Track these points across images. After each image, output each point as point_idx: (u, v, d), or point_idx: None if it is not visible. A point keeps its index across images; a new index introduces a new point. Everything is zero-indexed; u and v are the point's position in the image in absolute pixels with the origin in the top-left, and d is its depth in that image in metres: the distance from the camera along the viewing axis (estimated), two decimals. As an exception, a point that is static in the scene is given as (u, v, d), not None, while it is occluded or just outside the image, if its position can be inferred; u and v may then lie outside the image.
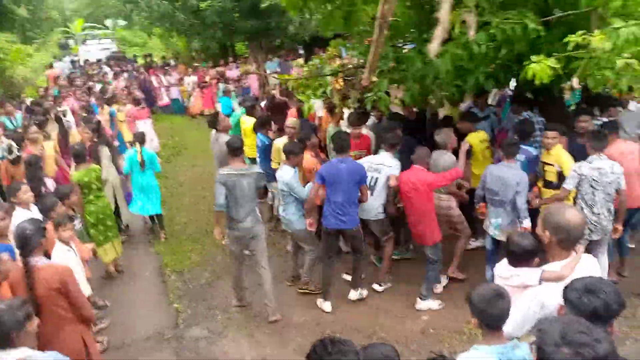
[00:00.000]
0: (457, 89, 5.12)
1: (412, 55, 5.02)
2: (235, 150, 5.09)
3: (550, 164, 5.09)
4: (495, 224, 4.96)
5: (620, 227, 4.81)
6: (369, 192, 5.19)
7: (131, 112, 10.96)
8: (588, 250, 4.73)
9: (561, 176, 4.96)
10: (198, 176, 10.13)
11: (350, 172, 4.97)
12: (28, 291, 3.34)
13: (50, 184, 6.14)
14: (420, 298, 5.21)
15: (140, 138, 7.08)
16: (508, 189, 4.78)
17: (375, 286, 5.52)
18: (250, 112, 8.08)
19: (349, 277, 5.67)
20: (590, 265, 2.75)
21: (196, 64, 17.76)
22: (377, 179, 5.26)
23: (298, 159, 5.34)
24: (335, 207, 5.03)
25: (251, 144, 7.37)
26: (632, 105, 6.58)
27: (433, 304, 5.20)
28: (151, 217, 7.53)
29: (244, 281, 5.49)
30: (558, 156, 5.03)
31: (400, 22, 5.02)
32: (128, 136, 10.71)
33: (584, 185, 4.65)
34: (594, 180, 4.60)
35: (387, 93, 5.48)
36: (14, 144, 7.34)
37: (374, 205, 5.30)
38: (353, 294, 5.42)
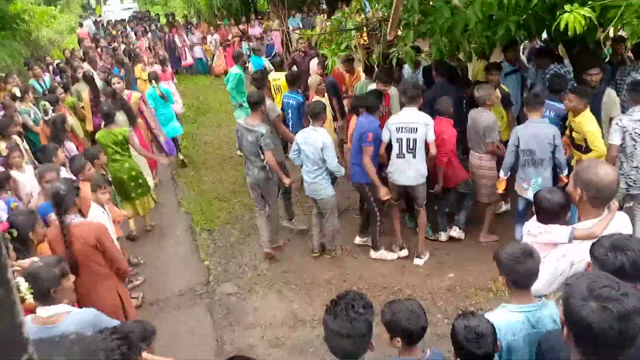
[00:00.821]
0: (486, 41, 4.93)
1: (439, 4, 4.83)
2: (253, 104, 5.33)
3: (576, 132, 4.85)
4: (536, 185, 4.72)
5: None
6: (410, 155, 4.95)
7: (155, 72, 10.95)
8: (629, 205, 4.68)
9: (587, 143, 4.75)
10: (224, 136, 10.19)
11: (357, 130, 5.13)
12: (65, 248, 3.49)
13: (69, 147, 6.20)
14: (458, 226, 5.52)
15: (154, 76, 8.30)
16: (545, 146, 4.63)
17: (417, 260, 5.38)
18: (278, 68, 8.48)
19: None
20: (623, 224, 2.68)
21: (219, 22, 17.54)
22: (415, 140, 4.91)
23: (325, 117, 5.38)
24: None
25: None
26: None
27: (461, 234, 5.57)
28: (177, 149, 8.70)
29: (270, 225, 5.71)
30: (581, 125, 4.73)
31: (427, -28, 4.82)
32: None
33: (625, 138, 4.50)
34: (636, 132, 4.44)
35: (417, 49, 5.37)
36: (48, 104, 7.50)
37: (418, 169, 5.01)
38: (373, 253, 5.51)
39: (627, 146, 4.53)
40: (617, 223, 2.66)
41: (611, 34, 5.76)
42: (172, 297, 5.27)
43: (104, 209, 4.60)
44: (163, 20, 20.48)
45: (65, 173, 4.92)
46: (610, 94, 5.30)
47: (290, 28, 15.94)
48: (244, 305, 5.03)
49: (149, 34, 16.90)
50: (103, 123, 6.22)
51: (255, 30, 16.11)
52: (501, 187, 5.11)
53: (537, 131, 4.67)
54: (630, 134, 4.47)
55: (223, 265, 5.74)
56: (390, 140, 5.08)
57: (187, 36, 16.11)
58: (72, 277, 3.02)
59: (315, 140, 5.10)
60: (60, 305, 2.85)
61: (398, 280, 5.12)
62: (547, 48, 6.34)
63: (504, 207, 6.00)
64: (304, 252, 5.83)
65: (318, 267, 5.53)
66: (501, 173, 5.04)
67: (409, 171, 5.02)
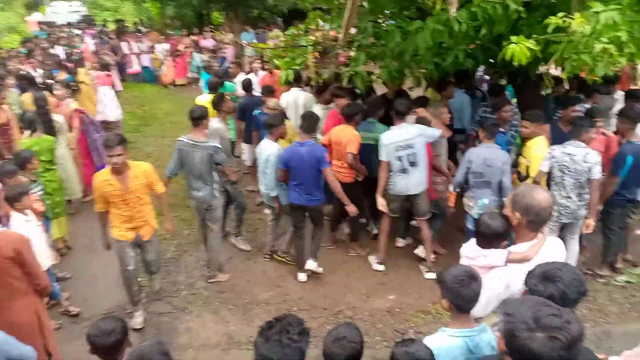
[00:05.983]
0: (434, 67, 5.03)
1: (391, 29, 4.91)
2: (195, 119, 4.97)
3: (524, 157, 5.07)
4: (482, 205, 4.89)
5: (592, 222, 4.68)
6: (411, 167, 5.05)
7: (98, 76, 10.53)
8: (560, 233, 4.78)
9: (528, 170, 4.95)
10: (166, 148, 9.80)
11: (310, 156, 4.96)
12: None
13: None
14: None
15: None
16: (494, 170, 4.79)
17: (428, 274, 5.34)
18: (213, 91, 7.35)
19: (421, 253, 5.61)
20: (555, 247, 2.76)
21: (169, 32, 17.19)
22: (414, 154, 5.03)
23: (280, 131, 5.34)
24: (298, 188, 5.11)
25: None
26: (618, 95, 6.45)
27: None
28: None
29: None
30: (529, 149, 4.99)
31: (380, -4, 4.88)
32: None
33: (554, 169, 4.69)
34: (564, 165, 4.63)
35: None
36: None
37: (421, 179, 5.14)
38: (311, 264, 5.32)
39: (556, 176, 4.70)
40: (551, 247, 2.72)
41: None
42: (98, 315, 4.90)
43: (28, 216, 4.26)
44: (111, 26, 19.86)
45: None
46: None
47: (244, 42, 15.89)
48: (176, 325, 4.76)
49: (96, 39, 16.31)
50: (29, 132, 5.76)
51: (208, 42, 15.91)
52: (451, 201, 5.33)
53: (489, 155, 4.84)
54: (560, 165, 4.65)
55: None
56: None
57: (136, 44, 15.67)
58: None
59: (264, 151, 5.25)
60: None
61: (338, 301, 5.02)
62: (499, 86, 6.58)
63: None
64: (245, 270, 5.64)
65: (257, 286, 5.34)
66: (450, 187, 5.27)
67: (410, 182, 5.10)
